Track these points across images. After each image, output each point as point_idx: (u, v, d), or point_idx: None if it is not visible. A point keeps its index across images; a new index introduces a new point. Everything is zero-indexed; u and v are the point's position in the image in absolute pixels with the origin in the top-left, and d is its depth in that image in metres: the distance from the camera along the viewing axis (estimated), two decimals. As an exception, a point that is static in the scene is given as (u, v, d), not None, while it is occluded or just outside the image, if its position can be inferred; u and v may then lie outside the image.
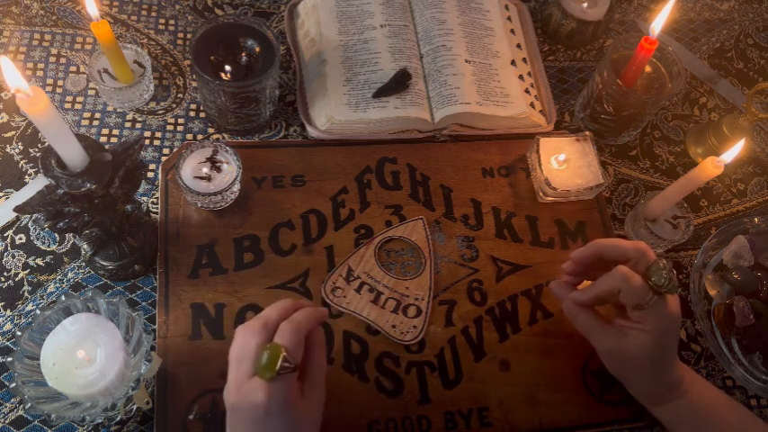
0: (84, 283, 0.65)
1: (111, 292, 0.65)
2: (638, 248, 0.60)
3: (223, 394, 0.51)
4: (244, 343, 0.49)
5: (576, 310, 0.62)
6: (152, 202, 0.70)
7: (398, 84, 0.76)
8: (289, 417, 0.48)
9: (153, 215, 0.69)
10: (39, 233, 0.67)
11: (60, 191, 0.50)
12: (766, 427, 0.61)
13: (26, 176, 0.70)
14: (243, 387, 0.48)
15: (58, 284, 0.65)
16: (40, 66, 0.76)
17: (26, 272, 0.65)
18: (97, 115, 0.74)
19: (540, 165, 0.74)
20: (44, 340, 0.51)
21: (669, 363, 0.61)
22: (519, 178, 0.77)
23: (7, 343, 0.61)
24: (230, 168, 0.68)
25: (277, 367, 0.46)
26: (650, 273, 0.57)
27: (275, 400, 0.47)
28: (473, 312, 0.68)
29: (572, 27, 0.86)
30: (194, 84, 0.78)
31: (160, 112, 0.76)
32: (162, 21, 0.82)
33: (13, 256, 0.65)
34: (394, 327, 0.65)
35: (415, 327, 0.66)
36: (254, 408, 0.47)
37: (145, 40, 0.80)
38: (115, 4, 0.82)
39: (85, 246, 0.64)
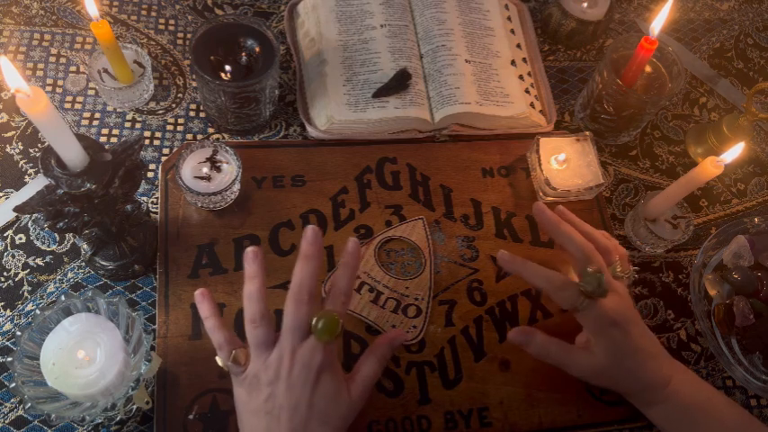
0: (84, 283, 0.65)
1: (111, 292, 0.65)
2: (584, 252, 0.60)
3: (242, 380, 0.52)
4: (296, 313, 0.51)
5: (543, 343, 0.61)
6: (152, 202, 0.70)
7: (398, 84, 0.76)
8: (339, 375, 0.52)
9: (153, 215, 0.69)
10: (39, 233, 0.67)
11: (60, 191, 0.50)
12: (765, 429, 0.60)
13: (26, 176, 0.70)
14: (299, 350, 0.51)
15: (57, 284, 0.65)
16: (40, 66, 0.76)
17: (26, 272, 0.65)
18: (97, 115, 0.74)
19: (540, 165, 0.74)
20: (44, 340, 0.51)
21: (642, 362, 0.59)
22: (519, 178, 0.77)
23: (7, 343, 0.61)
24: (230, 168, 0.68)
25: (337, 332, 0.51)
26: (582, 277, 0.58)
27: (327, 359, 0.51)
28: (473, 312, 0.68)
29: (572, 27, 0.86)
30: (194, 84, 0.78)
31: (160, 111, 0.76)
32: (162, 21, 0.82)
33: (13, 256, 0.65)
34: (394, 327, 0.65)
35: (414, 327, 0.66)
36: (307, 367, 0.50)
37: (145, 40, 0.80)
38: (115, 4, 0.82)
39: (85, 246, 0.64)
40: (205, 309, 0.54)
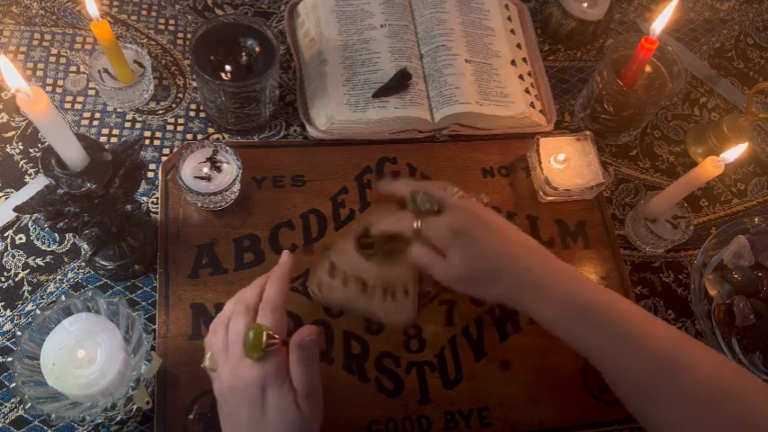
0: (84, 283, 0.65)
1: (111, 292, 0.65)
2: (409, 189, 0.61)
3: (214, 387, 0.52)
4: (231, 329, 0.51)
5: (418, 253, 0.60)
6: (152, 202, 0.70)
7: (398, 84, 0.76)
8: (285, 389, 0.49)
9: (153, 215, 0.69)
10: (39, 233, 0.67)
11: (60, 191, 0.50)
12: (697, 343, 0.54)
13: (26, 176, 0.69)
14: (237, 369, 0.50)
15: (57, 284, 0.65)
16: (40, 66, 0.76)
17: (26, 272, 0.65)
18: (97, 115, 0.74)
19: (540, 164, 0.74)
20: (44, 340, 0.51)
21: (497, 262, 0.57)
22: (519, 178, 0.77)
23: (7, 343, 0.61)
24: (230, 168, 0.68)
25: (263, 345, 0.49)
26: (407, 204, 0.60)
27: (269, 374, 0.49)
28: (473, 312, 0.68)
29: (572, 27, 0.86)
30: (194, 84, 0.78)
31: (160, 111, 0.76)
32: (162, 21, 0.82)
33: (13, 256, 0.65)
34: (386, 312, 0.64)
35: (407, 307, 0.64)
36: (249, 386, 0.49)
37: (145, 40, 0.80)
38: (115, 4, 0.82)
39: (85, 246, 0.64)
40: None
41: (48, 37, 0.78)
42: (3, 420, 0.58)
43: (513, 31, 0.86)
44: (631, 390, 0.54)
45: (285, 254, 0.56)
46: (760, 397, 0.50)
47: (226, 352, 0.51)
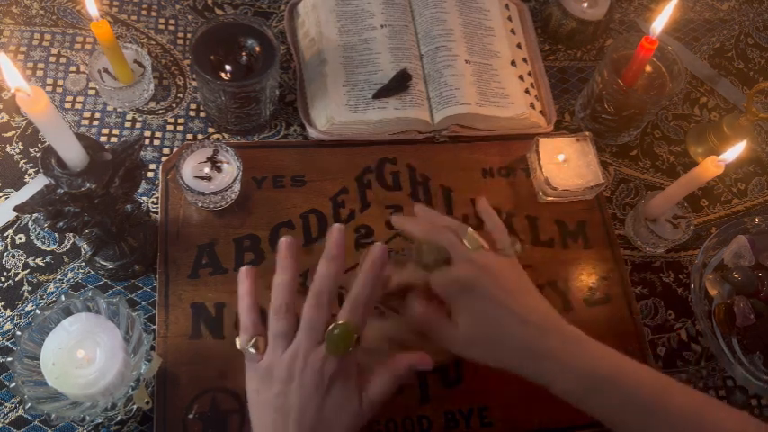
0: (84, 283, 0.65)
1: (111, 292, 0.65)
2: (421, 233, 0.58)
3: (253, 367, 0.51)
4: (315, 315, 0.50)
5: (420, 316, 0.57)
6: (152, 202, 0.70)
7: (398, 85, 0.76)
8: (351, 384, 0.50)
9: (153, 215, 0.69)
10: (39, 233, 0.67)
11: (60, 190, 0.50)
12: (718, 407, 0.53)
13: (26, 176, 0.69)
14: (312, 354, 0.49)
15: (57, 284, 0.65)
16: (40, 66, 0.76)
17: (26, 272, 0.65)
18: (97, 115, 0.74)
19: (539, 165, 0.74)
20: (44, 340, 0.51)
21: (507, 327, 0.54)
22: (519, 178, 0.77)
23: (7, 343, 0.61)
24: (230, 168, 0.68)
25: (350, 346, 0.49)
26: (414, 253, 0.58)
27: (343, 368, 0.49)
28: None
29: (572, 27, 0.86)
30: (194, 83, 0.78)
31: (160, 111, 0.76)
32: (162, 20, 0.82)
33: (13, 256, 0.65)
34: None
35: None
36: (317, 373, 0.49)
37: (145, 40, 0.80)
38: (115, 3, 0.82)
39: (85, 246, 0.64)
40: (245, 287, 0.53)
41: (48, 37, 0.78)
42: (3, 420, 0.58)
43: (513, 31, 0.86)
44: None
45: (378, 247, 0.52)
46: None
47: (288, 338, 0.50)
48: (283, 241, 0.53)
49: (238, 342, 0.52)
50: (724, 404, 0.53)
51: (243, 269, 0.53)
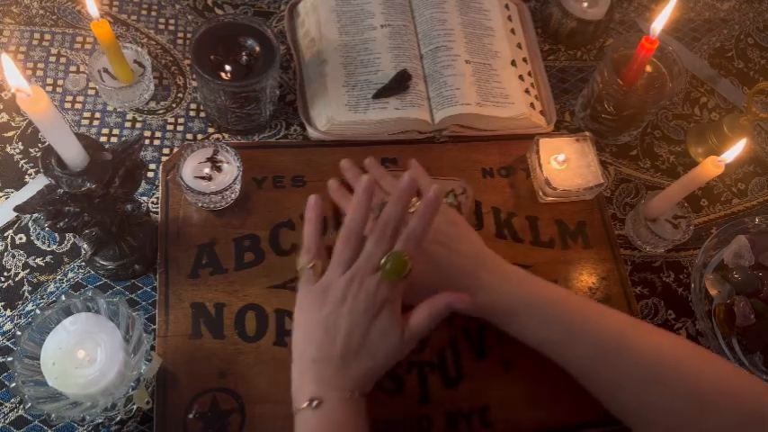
0: (84, 283, 0.65)
1: (111, 291, 0.65)
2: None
3: (306, 286, 0.55)
4: (376, 244, 0.53)
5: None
6: (152, 202, 0.70)
7: (398, 85, 0.76)
8: (397, 314, 0.53)
9: (153, 215, 0.69)
10: (39, 233, 0.67)
11: (60, 190, 0.51)
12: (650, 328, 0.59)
13: (26, 176, 0.69)
14: (368, 279, 0.52)
15: (57, 284, 0.65)
16: (40, 66, 0.76)
17: (26, 272, 0.65)
18: (97, 115, 0.74)
19: (540, 165, 0.74)
20: (44, 340, 0.51)
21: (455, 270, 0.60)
22: (519, 178, 0.77)
23: (7, 343, 0.61)
24: (230, 168, 0.68)
25: (404, 274, 0.52)
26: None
27: (393, 297, 0.53)
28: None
29: (572, 27, 0.86)
30: (194, 83, 0.78)
31: (160, 111, 0.76)
32: (162, 20, 0.82)
33: (14, 256, 0.65)
34: None
35: None
36: (371, 296, 0.52)
37: (145, 40, 0.80)
38: (115, 3, 0.82)
39: (85, 246, 0.64)
40: (314, 213, 0.57)
41: (48, 37, 0.78)
42: (3, 420, 0.58)
43: (513, 31, 0.86)
44: (579, 375, 0.59)
45: (434, 189, 0.54)
46: (707, 367, 0.54)
47: (348, 265, 0.53)
48: (364, 179, 0.55)
49: (299, 262, 0.56)
50: (650, 324, 0.59)
51: (312, 197, 0.58)
